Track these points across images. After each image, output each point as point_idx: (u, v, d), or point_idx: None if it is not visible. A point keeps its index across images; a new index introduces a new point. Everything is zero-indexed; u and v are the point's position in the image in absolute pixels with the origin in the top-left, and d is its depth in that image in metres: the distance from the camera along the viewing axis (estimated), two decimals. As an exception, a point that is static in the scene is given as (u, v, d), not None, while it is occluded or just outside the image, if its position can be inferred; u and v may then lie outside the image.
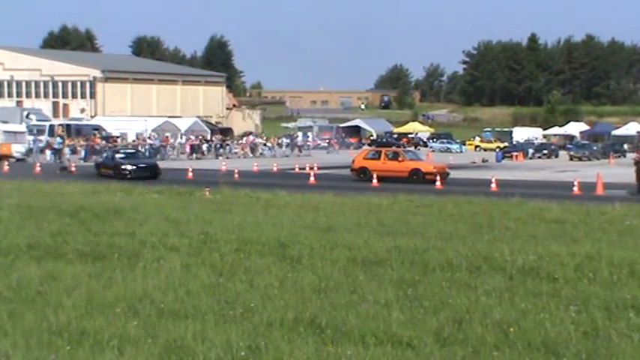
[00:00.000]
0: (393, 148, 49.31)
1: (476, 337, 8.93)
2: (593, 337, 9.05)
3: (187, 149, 64.91)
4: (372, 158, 39.99)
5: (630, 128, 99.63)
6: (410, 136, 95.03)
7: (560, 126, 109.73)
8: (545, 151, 76.40)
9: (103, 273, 12.39)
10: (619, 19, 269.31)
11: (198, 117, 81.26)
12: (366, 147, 72.26)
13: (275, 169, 47.46)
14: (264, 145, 72.22)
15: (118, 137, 63.39)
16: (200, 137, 69.57)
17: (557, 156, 76.29)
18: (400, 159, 39.72)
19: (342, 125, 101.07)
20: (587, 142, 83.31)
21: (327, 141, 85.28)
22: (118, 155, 40.85)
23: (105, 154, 44.06)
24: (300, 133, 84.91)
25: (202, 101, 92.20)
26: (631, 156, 68.40)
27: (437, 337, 9.00)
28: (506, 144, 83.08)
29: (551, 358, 8.32)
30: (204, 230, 16.91)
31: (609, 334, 9.13)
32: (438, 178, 36.56)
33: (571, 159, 66.75)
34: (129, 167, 38.61)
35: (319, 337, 8.93)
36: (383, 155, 40.27)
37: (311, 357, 8.18)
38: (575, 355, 8.37)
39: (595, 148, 73.64)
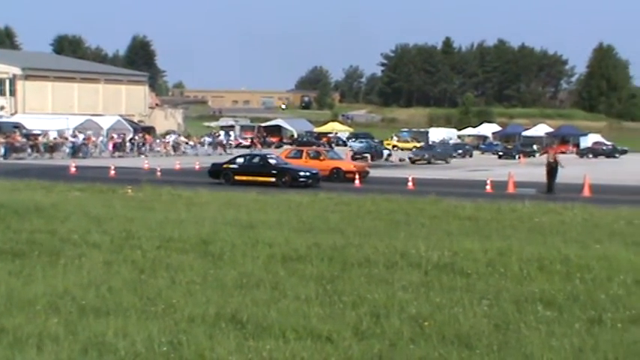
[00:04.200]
0: (314, 148, 49.74)
1: (393, 331, 9.11)
2: (504, 330, 9.31)
3: (110, 147, 64.36)
4: (294, 157, 40.20)
5: (539, 129, 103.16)
6: (330, 135, 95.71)
7: (474, 127, 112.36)
8: (460, 151, 78.14)
9: (22, 270, 12.19)
10: (529, 26, 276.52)
11: (121, 115, 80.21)
12: (287, 146, 72.59)
13: (197, 167, 47.22)
14: (187, 143, 72.00)
15: (39, 135, 62.19)
16: (122, 135, 69.01)
17: (471, 155, 78.19)
18: (321, 158, 40.13)
19: (263, 125, 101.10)
20: (434, 144, 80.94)
21: (249, 140, 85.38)
22: (272, 161, 36.13)
23: (233, 159, 37.53)
24: (222, 132, 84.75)
25: (125, 100, 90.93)
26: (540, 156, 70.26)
27: (355, 331, 9.15)
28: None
29: (465, 351, 8.48)
30: (126, 228, 16.81)
31: (519, 326, 9.41)
32: (357, 176, 37.17)
33: (413, 162, 62.28)
34: (307, 173, 34.83)
35: (240, 333, 9.00)
36: (304, 154, 40.61)
37: (232, 352, 8.23)
38: (487, 347, 8.58)
39: (439, 150, 70.01)
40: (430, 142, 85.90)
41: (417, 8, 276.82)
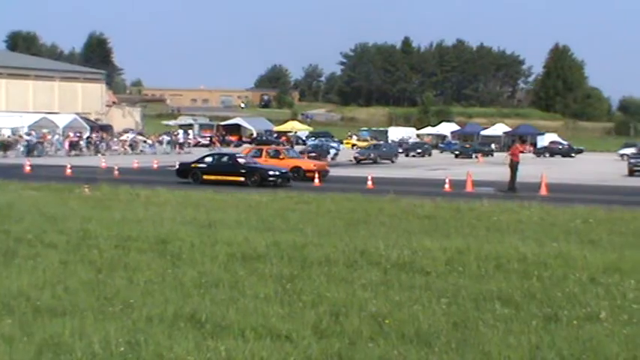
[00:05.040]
0: (274, 146, 49.69)
1: (352, 329, 9.11)
2: (462, 328, 9.36)
3: (66, 146, 63.65)
4: (254, 156, 40.05)
5: (497, 129, 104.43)
6: (289, 134, 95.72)
7: (433, 126, 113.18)
8: (420, 150, 78.63)
9: (-25, 271, 12.00)
10: (487, 26, 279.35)
11: (77, 114, 79.31)
12: (246, 145, 72.37)
13: (155, 166, 46.99)
14: (145, 142, 71.49)
15: None
16: (79, 133, 68.30)
17: (430, 155, 78.76)
18: (281, 157, 40.12)
19: (222, 123, 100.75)
20: (379, 142, 78.40)
21: (208, 139, 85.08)
22: (241, 160, 35.70)
23: (202, 158, 36.58)
24: (180, 131, 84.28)
25: (81, 98, 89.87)
26: (498, 155, 70.89)
27: (315, 329, 9.14)
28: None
29: (424, 349, 8.52)
30: (83, 227, 16.61)
31: (477, 324, 9.47)
32: (317, 175, 37.24)
33: (358, 162, 60.20)
34: (276, 173, 34.55)
35: (199, 332, 8.95)
36: (264, 153, 40.55)
37: (191, 351, 8.17)
38: (446, 345, 8.62)
39: (385, 149, 67.68)
40: (379, 142, 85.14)
41: (376, 7, 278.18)
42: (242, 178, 34.23)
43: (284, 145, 69.17)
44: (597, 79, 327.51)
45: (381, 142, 78.52)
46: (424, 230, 18.06)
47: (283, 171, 35.36)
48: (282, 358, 8.16)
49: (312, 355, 8.25)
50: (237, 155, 37.57)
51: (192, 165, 35.97)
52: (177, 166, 37.23)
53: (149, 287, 11.13)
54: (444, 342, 8.74)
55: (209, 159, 36.44)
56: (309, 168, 38.95)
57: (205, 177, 34.65)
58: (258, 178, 34.13)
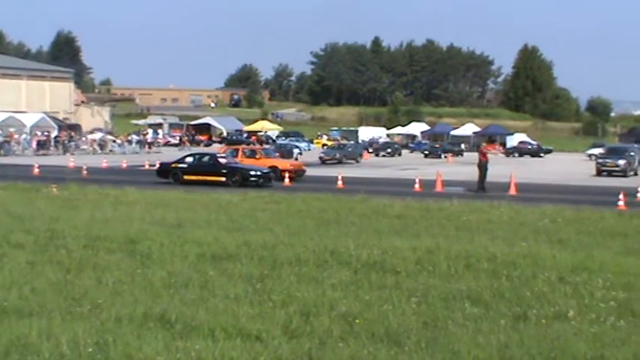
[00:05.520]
0: (250, 146, 49.53)
1: (322, 329, 9.13)
2: (432, 327, 9.41)
3: (34, 145, 63.03)
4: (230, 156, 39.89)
5: (467, 129, 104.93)
6: (259, 134, 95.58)
7: (403, 126, 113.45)
8: (390, 150, 78.83)
9: (-60, 272, 11.85)
10: (457, 26, 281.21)
11: (45, 113, 78.52)
12: (216, 145, 72.06)
13: (124, 165, 46.65)
14: (114, 141, 71.02)
15: None
16: (47, 132, 67.65)
17: (400, 154, 79.05)
18: (257, 157, 40.00)
19: (192, 123, 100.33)
20: (344, 143, 77.79)
21: (178, 138, 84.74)
22: (222, 160, 35.54)
23: (182, 158, 36.45)
24: (150, 130, 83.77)
25: (49, 97, 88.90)
26: (468, 155, 71.35)
27: (285, 329, 9.14)
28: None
29: (394, 348, 8.55)
30: (51, 227, 16.46)
31: (447, 323, 9.53)
32: (290, 175, 37.12)
33: (323, 162, 59.41)
34: (257, 173, 34.36)
35: (168, 332, 8.91)
36: (240, 153, 40.39)
37: (160, 352, 8.13)
38: (416, 344, 8.65)
39: (350, 149, 67.17)
40: (347, 142, 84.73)
41: (346, 7, 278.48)
42: (223, 179, 34.04)
43: (254, 144, 68.99)
44: (566, 79, 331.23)
45: (347, 143, 78.49)
46: (394, 230, 18.11)
47: (265, 171, 35.16)
48: (252, 358, 8.14)
49: (283, 355, 8.25)
50: (219, 155, 37.33)
51: (173, 165, 35.72)
52: (157, 166, 36.98)
53: (118, 287, 11.06)
54: (414, 341, 8.77)
55: (190, 159, 36.25)
56: (285, 168, 38.88)
57: (186, 177, 34.44)
58: (239, 179, 34.01)
